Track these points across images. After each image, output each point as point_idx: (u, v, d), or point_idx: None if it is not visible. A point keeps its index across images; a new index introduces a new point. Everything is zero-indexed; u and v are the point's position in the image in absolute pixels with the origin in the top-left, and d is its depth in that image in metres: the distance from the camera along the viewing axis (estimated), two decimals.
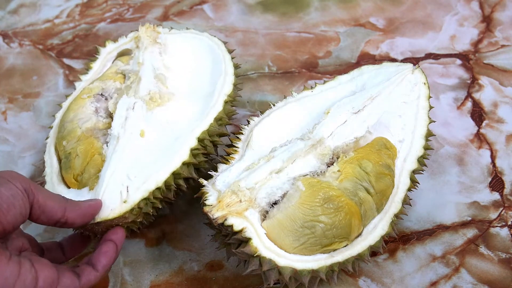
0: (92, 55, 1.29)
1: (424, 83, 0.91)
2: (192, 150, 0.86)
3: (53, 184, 0.87)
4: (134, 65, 0.97)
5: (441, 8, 1.35)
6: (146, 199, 0.83)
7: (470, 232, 0.92)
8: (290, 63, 1.24)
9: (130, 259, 0.91)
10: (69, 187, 0.86)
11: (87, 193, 0.84)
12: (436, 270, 0.87)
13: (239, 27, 1.34)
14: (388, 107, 0.89)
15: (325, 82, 0.95)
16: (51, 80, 1.23)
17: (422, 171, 0.89)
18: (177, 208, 0.98)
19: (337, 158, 0.83)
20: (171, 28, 1.05)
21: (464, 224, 0.93)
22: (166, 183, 0.84)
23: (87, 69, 1.03)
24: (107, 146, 0.87)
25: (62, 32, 1.36)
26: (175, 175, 0.85)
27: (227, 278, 0.88)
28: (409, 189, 0.86)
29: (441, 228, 0.92)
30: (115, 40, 1.05)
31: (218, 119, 0.90)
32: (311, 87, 0.95)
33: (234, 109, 0.96)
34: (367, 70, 0.94)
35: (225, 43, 1.01)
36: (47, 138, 0.94)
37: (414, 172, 0.86)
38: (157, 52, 0.99)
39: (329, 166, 0.82)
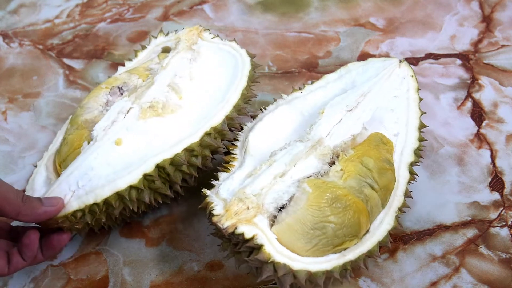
0: (92, 55, 1.29)
1: (412, 76, 0.92)
2: (146, 175, 0.82)
3: (42, 163, 0.90)
4: (159, 66, 0.94)
5: (441, 8, 1.35)
6: (82, 211, 0.81)
7: (470, 232, 0.92)
8: (290, 63, 1.24)
9: (130, 259, 0.91)
10: (56, 171, 0.88)
11: (49, 183, 0.85)
12: (436, 270, 0.87)
13: (239, 27, 1.34)
14: (380, 102, 0.89)
15: (313, 82, 0.95)
16: (51, 80, 1.23)
17: (419, 162, 0.89)
18: (177, 208, 0.98)
19: (337, 157, 0.83)
20: (217, 35, 1.00)
21: (464, 224, 0.93)
22: (107, 201, 0.82)
23: (135, 56, 1.01)
24: (88, 143, 0.86)
25: (62, 32, 1.36)
26: (119, 195, 0.82)
27: (227, 278, 0.88)
28: (408, 182, 0.86)
29: (441, 228, 0.92)
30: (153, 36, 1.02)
31: (190, 150, 0.85)
32: (299, 88, 0.94)
33: (215, 144, 0.88)
34: (353, 67, 0.94)
35: (253, 63, 0.95)
36: (71, 115, 0.96)
37: (411, 164, 0.87)
38: (187, 59, 0.94)
39: (330, 166, 0.82)
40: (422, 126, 0.90)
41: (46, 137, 1.11)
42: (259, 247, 0.73)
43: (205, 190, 0.79)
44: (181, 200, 0.98)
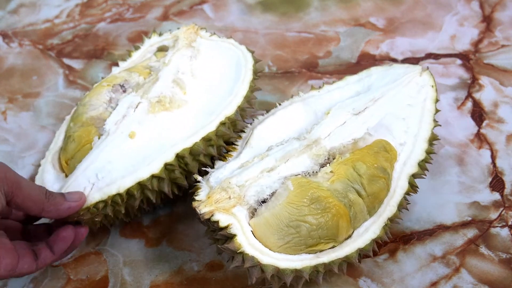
0: (92, 55, 1.29)
1: (432, 86, 0.90)
2: (166, 165, 0.84)
3: (46, 161, 0.90)
4: (160, 63, 0.95)
5: (441, 8, 1.35)
6: (104, 202, 0.82)
7: (471, 232, 0.91)
8: (290, 63, 1.24)
9: (130, 259, 0.91)
10: (62, 169, 0.88)
11: (63, 179, 0.86)
12: (437, 270, 0.87)
13: (239, 27, 1.34)
14: (391, 109, 0.88)
15: (333, 82, 0.94)
16: (51, 80, 1.23)
17: (424, 175, 0.88)
18: (177, 208, 0.98)
19: (333, 159, 0.83)
20: (214, 33, 1.02)
21: (464, 224, 0.93)
22: (129, 191, 0.83)
23: (128, 56, 1.02)
24: (98, 138, 0.87)
25: (62, 32, 1.36)
26: (141, 185, 0.84)
27: (227, 278, 0.88)
28: (407, 193, 0.85)
29: (441, 228, 0.92)
30: (147, 36, 1.03)
31: (207, 139, 0.87)
32: (319, 87, 0.94)
33: (229, 133, 0.90)
34: (375, 71, 0.93)
35: (254, 58, 0.97)
36: (68, 114, 0.97)
37: (414, 176, 0.85)
38: (188, 56, 0.96)
39: (323, 167, 0.82)
40: (433, 138, 0.88)
41: (46, 137, 1.11)
42: (232, 237, 0.74)
43: (196, 176, 0.81)
44: (181, 200, 0.98)
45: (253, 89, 0.94)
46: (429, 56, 1.23)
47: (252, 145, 0.86)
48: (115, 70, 1.00)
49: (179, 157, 0.85)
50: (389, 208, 0.82)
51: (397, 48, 1.26)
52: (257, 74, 0.97)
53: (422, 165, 0.86)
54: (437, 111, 0.90)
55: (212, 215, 0.75)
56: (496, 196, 0.96)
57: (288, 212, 0.75)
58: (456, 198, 0.96)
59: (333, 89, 0.93)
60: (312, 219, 0.75)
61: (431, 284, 0.85)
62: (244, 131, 0.89)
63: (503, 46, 1.24)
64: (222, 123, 0.88)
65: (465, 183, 0.98)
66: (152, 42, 1.02)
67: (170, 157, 0.85)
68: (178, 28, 1.02)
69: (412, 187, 0.86)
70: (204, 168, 0.83)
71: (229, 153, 0.87)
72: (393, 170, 0.84)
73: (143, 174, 0.83)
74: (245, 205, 0.77)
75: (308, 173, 0.81)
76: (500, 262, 0.87)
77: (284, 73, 1.22)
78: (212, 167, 0.84)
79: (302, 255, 0.76)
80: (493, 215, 0.93)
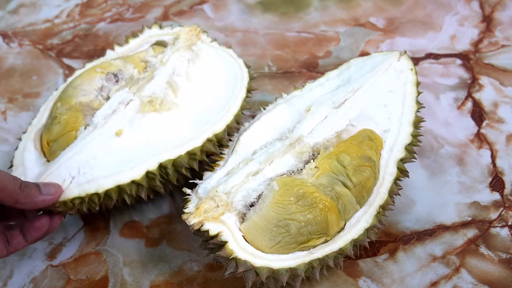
0: (92, 55, 1.29)
1: (411, 69, 0.90)
2: (148, 172, 0.84)
3: (28, 138, 0.89)
4: (157, 61, 0.95)
5: (441, 8, 1.35)
6: (81, 198, 0.83)
7: (471, 232, 0.91)
8: (290, 63, 1.24)
9: (130, 259, 0.91)
10: (42, 147, 0.88)
11: (43, 164, 0.86)
12: (437, 270, 0.87)
13: (239, 27, 1.34)
14: (371, 97, 0.88)
15: (315, 80, 0.95)
16: (51, 80, 1.23)
17: (414, 159, 0.87)
18: (177, 208, 0.98)
19: (318, 154, 0.83)
20: (214, 39, 1.02)
21: (464, 224, 0.93)
22: (107, 192, 0.83)
23: (126, 42, 1.01)
24: (84, 128, 0.87)
25: (62, 32, 1.36)
26: (120, 188, 0.84)
27: (226, 278, 0.88)
28: (397, 179, 0.84)
29: (441, 228, 0.92)
30: (134, 35, 1.03)
31: (191, 153, 0.87)
32: (302, 86, 0.94)
33: (213, 149, 0.90)
34: (354, 63, 0.93)
35: (250, 74, 0.97)
36: (56, 89, 0.97)
37: (402, 160, 0.85)
38: (186, 59, 0.96)
39: (307, 164, 0.82)
40: (418, 120, 0.87)
41: None
42: (224, 244, 0.74)
43: (185, 189, 0.80)
44: (181, 200, 0.98)
45: (243, 107, 0.94)
46: (429, 56, 1.23)
47: (239, 152, 0.85)
48: (109, 53, 1.00)
49: (161, 166, 0.85)
50: (379, 195, 0.82)
51: (397, 48, 1.25)
52: (250, 92, 0.97)
53: (410, 148, 0.86)
54: (419, 93, 0.89)
55: (202, 225, 0.75)
56: (496, 196, 0.96)
57: (276, 212, 0.75)
58: (456, 198, 0.96)
59: (314, 86, 0.93)
60: (300, 216, 0.75)
61: (431, 284, 0.85)
62: (231, 140, 0.88)
63: (503, 46, 1.24)
64: (209, 140, 0.88)
65: (465, 183, 0.98)
66: (151, 34, 1.02)
67: (152, 166, 0.84)
68: (180, 26, 1.01)
69: (402, 172, 0.85)
70: (192, 181, 0.82)
71: (216, 163, 0.86)
72: (379, 157, 0.84)
73: (124, 178, 0.83)
74: (233, 211, 0.77)
75: (293, 171, 0.81)
76: (500, 262, 0.87)
77: (284, 73, 1.22)
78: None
79: (296, 253, 0.76)
80: (493, 215, 0.93)
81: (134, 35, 1.02)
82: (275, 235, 0.75)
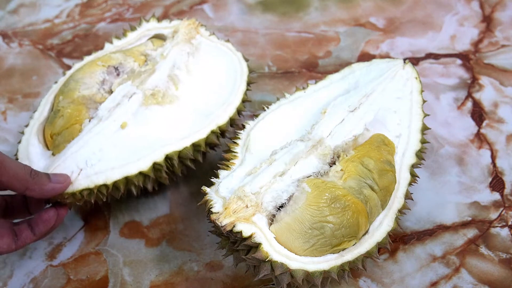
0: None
1: (416, 78, 0.92)
2: (155, 164, 0.85)
3: (31, 131, 0.89)
4: (158, 54, 0.95)
5: (441, 8, 1.35)
6: (90, 190, 0.83)
7: (471, 232, 0.91)
8: (290, 63, 1.24)
9: (130, 259, 0.91)
10: (44, 140, 0.89)
11: (48, 157, 0.86)
12: (436, 271, 0.87)
13: (239, 27, 1.34)
14: (383, 103, 0.89)
15: (316, 82, 0.95)
16: (51, 80, 1.23)
17: (420, 165, 0.89)
18: (177, 208, 0.98)
19: (338, 157, 0.83)
20: (213, 33, 1.02)
21: (464, 224, 0.93)
22: (116, 183, 0.84)
23: (124, 35, 1.01)
24: (89, 121, 0.88)
25: (62, 32, 1.36)
26: (128, 180, 0.85)
27: (227, 278, 0.88)
28: (409, 184, 0.86)
29: (441, 228, 0.92)
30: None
31: (196, 145, 0.88)
32: (303, 88, 0.94)
33: (217, 141, 0.92)
34: (357, 67, 0.94)
35: (249, 67, 0.98)
36: (55, 82, 0.97)
37: (413, 166, 0.86)
38: (186, 52, 0.96)
39: (331, 166, 0.82)
40: (424, 128, 0.89)
41: None
42: (257, 246, 0.73)
43: (204, 188, 0.79)
44: (181, 200, 0.98)
45: (244, 100, 0.95)
46: (429, 56, 1.23)
47: (252, 151, 0.85)
48: (108, 47, 1.00)
49: (167, 158, 0.87)
50: (397, 199, 0.83)
51: (397, 48, 1.25)
52: (249, 85, 0.97)
53: (419, 155, 0.88)
54: (424, 101, 0.91)
55: (234, 226, 0.73)
56: (496, 196, 0.96)
57: (310, 214, 0.75)
58: (456, 198, 0.96)
59: (318, 88, 0.93)
60: (335, 219, 0.75)
61: (431, 284, 0.85)
62: (238, 137, 0.88)
63: (503, 46, 1.24)
64: (213, 132, 0.89)
65: (465, 183, 0.98)
66: (149, 27, 1.02)
67: (159, 157, 0.86)
68: (178, 19, 1.01)
69: (413, 177, 0.87)
70: (211, 179, 0.81)
71: (230, 161, 0.85)
72: (394, 162, 0.85)
73: (132, 169, 0.85)
74: (263, 212, 0.76)
75: (320, 173, 0.81)
76: (500, 262, 0.87)
77: (284, 73, 1.22)
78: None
79: (327, 256, 0.76)
80: (493, 215, 0.93)
81: (132, 28, 1.02)
82: (310, 238, 0.75)
